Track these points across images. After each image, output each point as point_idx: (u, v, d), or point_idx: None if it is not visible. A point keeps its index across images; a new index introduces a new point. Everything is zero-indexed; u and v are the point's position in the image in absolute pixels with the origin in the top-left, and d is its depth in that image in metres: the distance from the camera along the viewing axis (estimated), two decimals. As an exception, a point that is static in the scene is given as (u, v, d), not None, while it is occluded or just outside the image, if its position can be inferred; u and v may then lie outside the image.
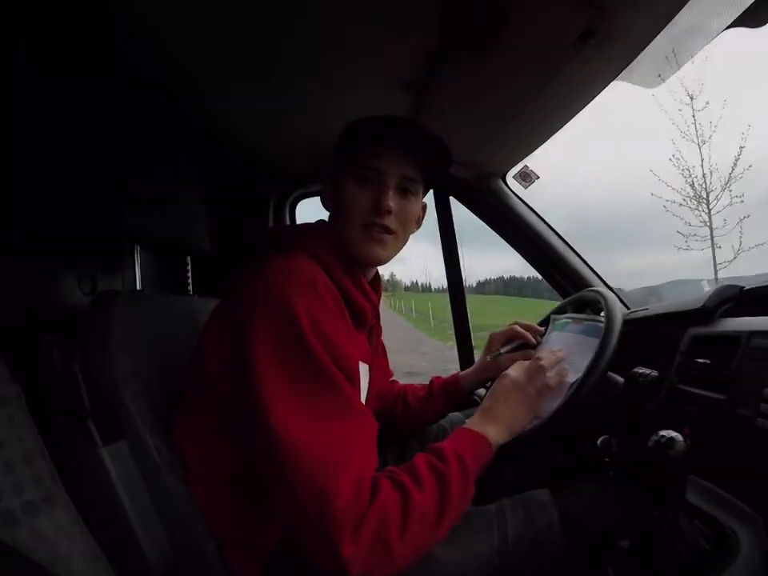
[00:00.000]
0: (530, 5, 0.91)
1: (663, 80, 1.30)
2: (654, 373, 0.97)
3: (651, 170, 14.13)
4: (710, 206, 13.26)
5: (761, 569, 0.66)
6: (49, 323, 1.00)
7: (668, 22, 0.96)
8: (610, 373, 1.00)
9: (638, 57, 1.08)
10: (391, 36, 1.07)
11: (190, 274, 1.61)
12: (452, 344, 2.12)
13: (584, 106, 1.28)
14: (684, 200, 13.36)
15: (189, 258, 1.63)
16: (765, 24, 0.99)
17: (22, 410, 0.66)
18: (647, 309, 1.26)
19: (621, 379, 1.02)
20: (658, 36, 1.00)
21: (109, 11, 1.01)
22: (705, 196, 13.25)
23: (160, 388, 0.95)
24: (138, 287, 1.19)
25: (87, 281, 1.29)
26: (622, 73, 1.14)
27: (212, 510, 0.87)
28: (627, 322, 1.14)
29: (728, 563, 0.67)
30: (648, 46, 1.04)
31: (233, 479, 0.86)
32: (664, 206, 13.34)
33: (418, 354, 12.03)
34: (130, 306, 0.98)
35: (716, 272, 12.76)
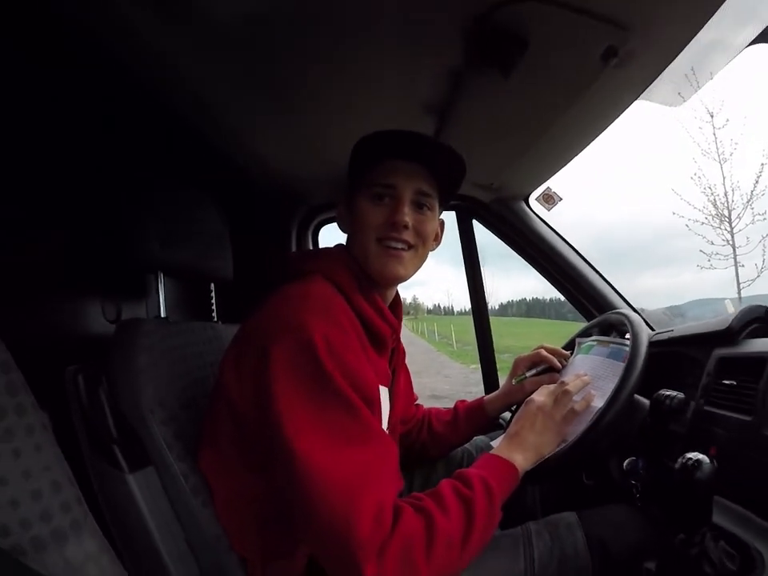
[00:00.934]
0: (553, 26, 0.91)
1: (684, 99, 1.30)
2: (680, 395, 0.97)
3: (673, 189, 14.18)
4: (733, 225, 13.27)
5: None
6: (73, 351, 1.01)
7: (690, 40, 0.96)
8: (635, 395, 0.99)
9: (660, 76, 1.08)
10: (414, 59, 1.08)
11: (214, 301, 1.62)
12: (475, 367, 2.10)
13: (606, 127, 1.28)
14: (706, 218, 13.41)
15: (212, 284, 1.64)
16: None
17: (48, 438, 0.66)
18: (672, 330, 1.24)
19: (646, 401, 1.02)
20: (680, 54, 1.00)
21: (136, 49, 1.06)
22: (727, 214, 13.29)
23: (186, 415, 0.96)
24: (162, 314, 1.19)
25: (111, 308, 1.31)
26: (644, 92, 1.14)
27: (239, 534, 0.88)
28: (652, 344, 1.13)
29: None
30: (670, 65, 1.04)
31: (258, 505, 0.86)
32: (686, 225, 13.37)
33: (442, 377, 11.95)
34: (154, 334, 0.98)
35: (739, 291, 12.75)
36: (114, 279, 1.34)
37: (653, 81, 1.09)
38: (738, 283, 13.05)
